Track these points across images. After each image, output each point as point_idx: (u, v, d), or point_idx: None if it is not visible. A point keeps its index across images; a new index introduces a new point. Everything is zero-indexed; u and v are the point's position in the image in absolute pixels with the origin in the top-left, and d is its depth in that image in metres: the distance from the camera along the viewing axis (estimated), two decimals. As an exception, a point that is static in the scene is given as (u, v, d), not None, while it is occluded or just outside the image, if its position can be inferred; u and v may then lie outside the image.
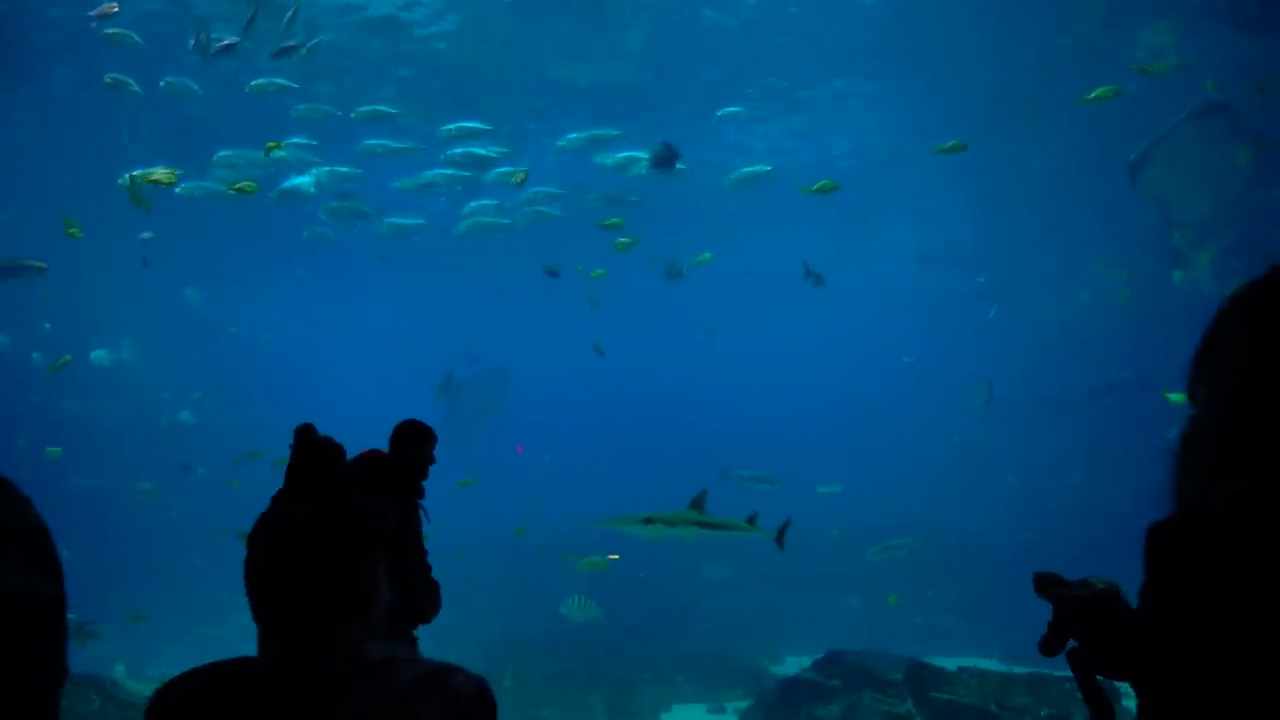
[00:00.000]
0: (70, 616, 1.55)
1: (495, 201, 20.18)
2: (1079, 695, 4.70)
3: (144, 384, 25.97)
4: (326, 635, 1.83)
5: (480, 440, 25.57)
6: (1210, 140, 16.20)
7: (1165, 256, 18.53)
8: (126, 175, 14.53)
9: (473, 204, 20.29)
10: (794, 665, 13.64)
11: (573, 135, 18.56)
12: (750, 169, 19.09)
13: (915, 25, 16.58)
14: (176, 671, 1.90)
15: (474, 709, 1.88)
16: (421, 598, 4.84)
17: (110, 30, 13.62)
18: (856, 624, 18.05)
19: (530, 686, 13.24)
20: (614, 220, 16.69)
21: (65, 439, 20.50)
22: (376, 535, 1.94)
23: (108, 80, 14.25)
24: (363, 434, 4.64)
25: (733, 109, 19.09)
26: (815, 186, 13.86)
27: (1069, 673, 4.66)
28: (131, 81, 14.39)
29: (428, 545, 5.08)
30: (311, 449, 2.14)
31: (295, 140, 17.03)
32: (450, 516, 5.15)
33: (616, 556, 13.99)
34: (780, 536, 10.59)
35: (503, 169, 17.85)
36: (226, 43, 13.95)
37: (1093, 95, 13.27)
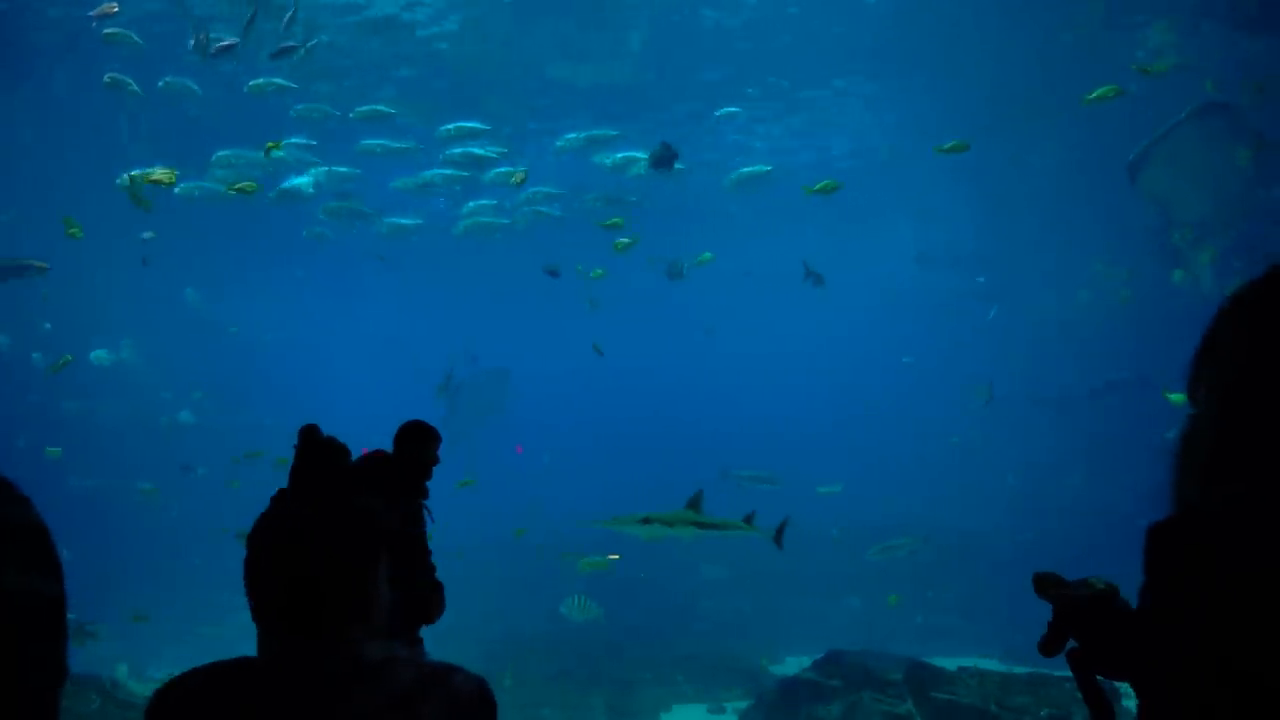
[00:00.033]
0: (70, 616, 1.55)
1: (494, 201, 20.19)
2: (1079, 695, 4.70)
3: (144, 384, 25.98)
4: (327, 635, 1.83)
5: (480, 440, 25.57)
6: (1210, 140, 16.20)
7: (1165, 256, 18.54)
8: (125, 175, 14.54)
9: (471, 204, 20.29)
10: (794, 665, 13.64)
11: (571, 135, 18.56)
12: (750, 169, 19.10)
13: (915, 25, 16.58)
14: (177, 672, 1.90)
15: (474, 709, 1.88)
16: (426, 598, 4.84)
17: (109, 30, 13.62)
18: (856, 624, 18.05)
19: (530, 686, 13.24)
20: (615, 220, 16.69)
21: (65, 439, 20.51)
22: (379, 535, 1.94)
23: (107, 80, 14.25)
24: (362, 434, 4.64)
25: (731, 109, 19.09)
26: (817, 186, 13.87)
27: (1069, 673, 4.66)
28: (130, 81, 14.39)
29: (430, 545, 5.08)
30: (316, 450, 2.14)
31: (294, 140, 17.05)
32: (450, 516, 5.15)
33: (616, 556, 13.99)
34: (778, 536, 10.58)
35: (502, 169, 17.86)
36: (225, 43, 13.95)
37: (1095, 95, 13.27)
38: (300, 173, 18.63)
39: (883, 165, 21.38)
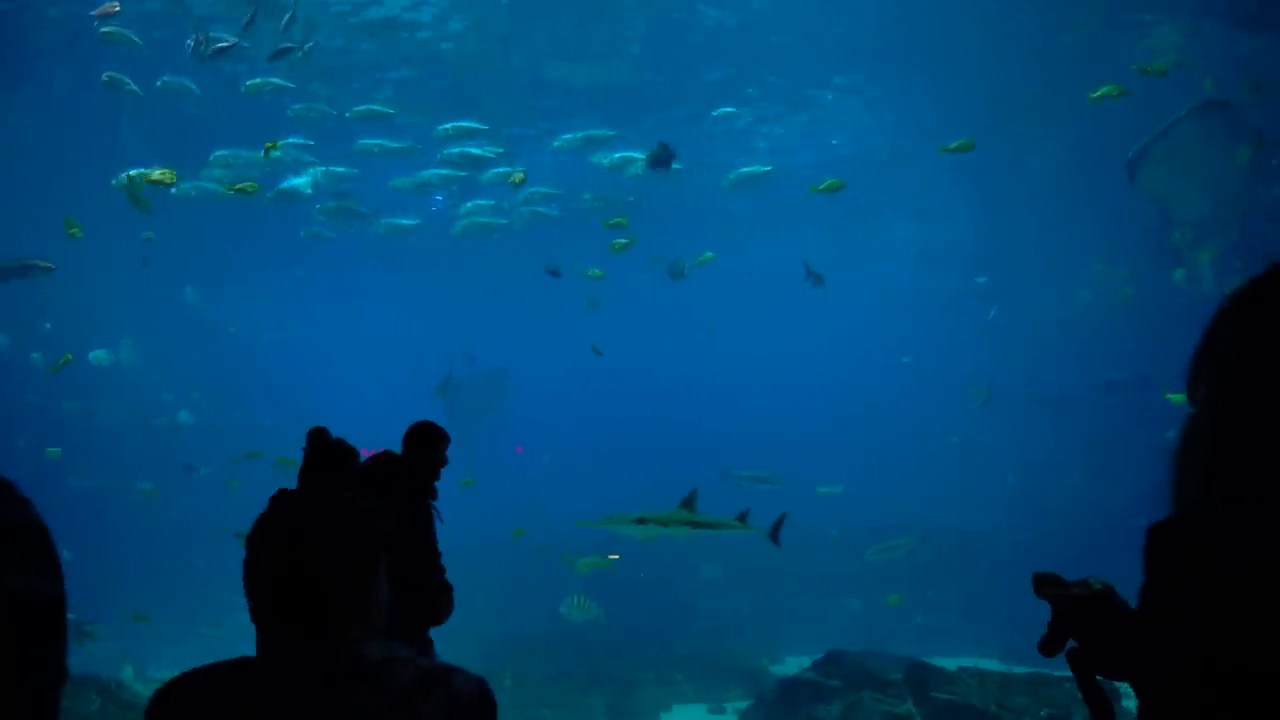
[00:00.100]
0: (70, 616, 1.55)
1: (492, 202, 20.18)
2: (1079, 695, 4.69)
3: (143, 384, 25.98)
4: (327, 635, 1.83)
5: (480, 440, 25.57)
6: (1209, 138, 16.19)
7: (1166, 256, 18.53)
8: (124, 175, 14.54)
9: (469, 204, 20.29)
10: (794, 665, 13.64)
11: (568, 135, 18.56)
12: (750, 169, 19.10)
13: (915, 25, 16.57)
14: (177, 672, 1.90)
15: (474, 709, 1.88)
16: (435, 599, 4.84)
17: (106, 29, 13.60)
18: (856, 624, 18.05)
19: (530, 686, 13.24)
20: (618, 220, 16.68)
21: (64, 439, 20.50)
22: (378, 535, 1.94)
23: (105, 78, 14.24)
24: (361, 434, 4.63)
25: (729, 109, 19.09)
26: (823, 186, 13.88)
27: (1069, 673, 4.65)
28: (129, 81, 14.38)
29: (439, 547, 5.09)
30: (324, 452, 2.13)
31: (292, 140, 17.05)
32: (451, 516, 5.15)
33: (616, 557, 13.98)
34: (774, 533, 10.57)
35: (500, 169, 17.86)
36: (223, 44, 13.94)
37: (1099, 93, 13.27)
38: (298, 172, 18.63)
39: (883, 165, 21.36)
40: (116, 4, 13.15)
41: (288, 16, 13.97)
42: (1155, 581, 1.25)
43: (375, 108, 16.82)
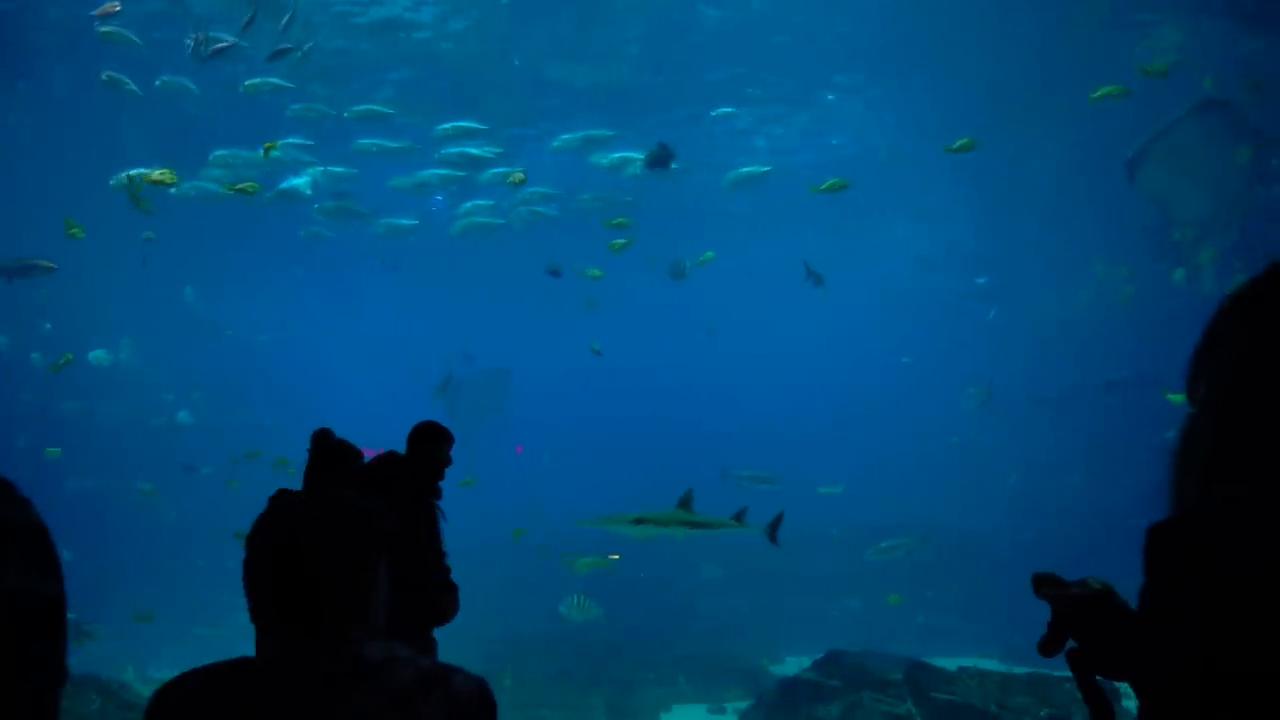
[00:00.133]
0: (70, 616, 1.55)
1: (491, 202, 20.18)
2: (1079, 695, 4.70)
3: (143, 384, 25.99)
4: (327, 635, 1.83)
5: (480, 440, 25.57)
6: (1208, 137, 16.19)
7: (1166, 255, 18.54)
8: (124, 175, 14.54)
9: (468, 204, 20.29)
10: (794, 665, 13.63)
11: (566, 135, 18.55)
12: (749, 169, 19.10)
13: (915, 25, 16.58)
14: (177, 672, 1.89)
15: (474, 709, 1.88)
16: (439, 599, 4.85)
17: (104, 28, 13.60)
18: (856, 624, 18.05)
19: (530, 686, 13.23)
20: (620, 220, 16.66)
21: (64, 440, 20.50)
22: (378, 535, 1.94)
23: (104, 78, 14.24)
24: (361, 434, 4.65)
25: (727, 109, 19.10)
26: (825, 185, 13.88)
27: (1069, 673, 4.65)
28: (128, 80, 14.38)
29: (445, 547, 5.09)
30: (329, 453, 2.14)
31: (291, 140, 17.04)
32: (451, 516, 5.15)
33: (617, 557, 13.97)
34: (772, 531, 10.56)
35: (499, 169, 17.86)
36: (221, 45, 13.95)
37: (1101, 93, 13.28)
38: (297, 173, 18.63)
39: (882, 165, 21.37)
40: (117, 4, 13.15)
41: (287, 17, 13.97)
42: (1155, 582, 1.25)
43: (374, 107, 16.83)
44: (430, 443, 5.03)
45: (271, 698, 1.78)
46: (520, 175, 16.79)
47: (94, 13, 13.41)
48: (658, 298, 24.75)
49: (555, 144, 18.69)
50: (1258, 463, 1.18)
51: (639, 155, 17.51)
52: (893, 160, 21.35)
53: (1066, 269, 23.27)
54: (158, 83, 15.21)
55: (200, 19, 14.69)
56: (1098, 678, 4.59)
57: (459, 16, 16.51)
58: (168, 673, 2.07)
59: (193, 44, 14.07)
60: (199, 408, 25.91)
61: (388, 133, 17.79)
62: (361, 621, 1.87)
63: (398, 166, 18.53)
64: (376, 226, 21.20)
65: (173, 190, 15.17)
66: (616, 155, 18.62)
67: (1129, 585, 1.58)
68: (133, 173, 14.23)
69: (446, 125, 17.38)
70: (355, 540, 1.89)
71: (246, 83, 15.08)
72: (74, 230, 14.22)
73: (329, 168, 18.49)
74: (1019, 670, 11.00)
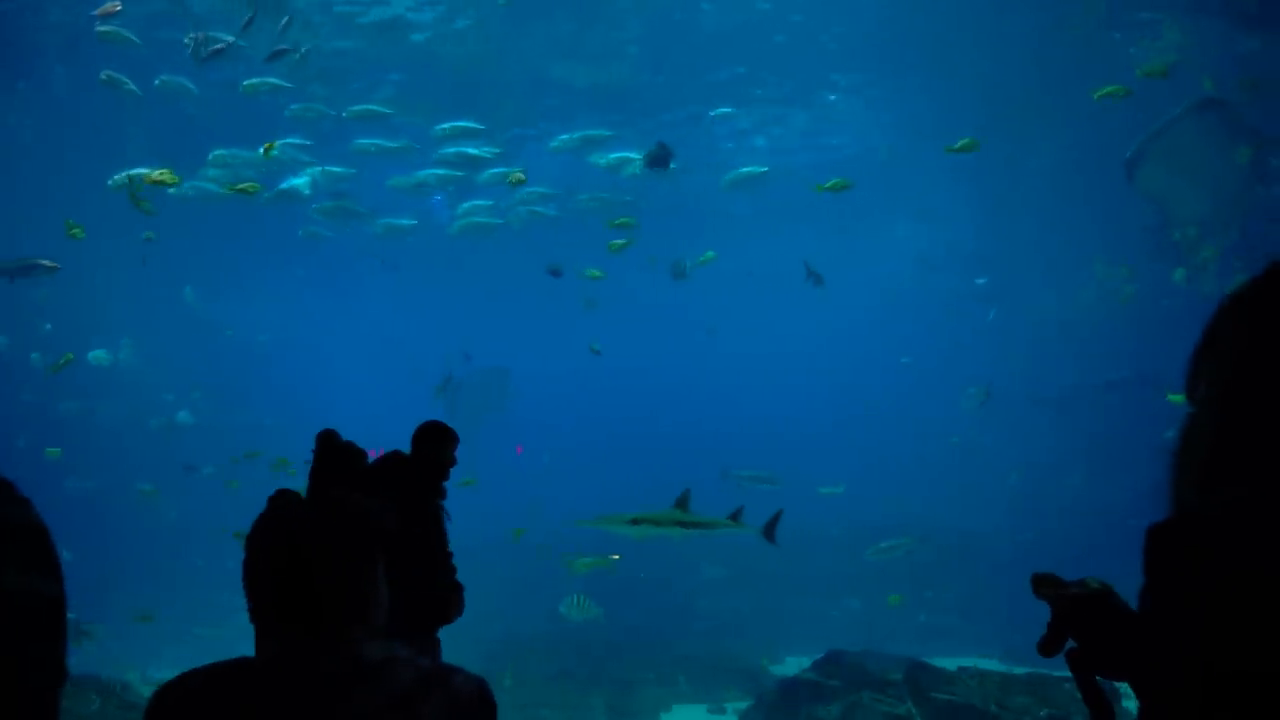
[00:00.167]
0: (70, 616, 1.55)
1: (490, 202, 20.18)
2: (1079, 695, 4.69)
3: (142, 384, 25.98)
4: (327, 635, 1.83)
5: (480, 440, 25.55)
6: (1206, 136, 16.18)
7: (1166, 255, 18.53)
8: (123, 175, 14.55)
9: (466, 204, 20.29)
10: (794, 665, 13.63)
11: (565, 136, 18.55)
12: (747, 169, 19.09)
13: (914, 25, 16.58)
14: (177, 673, 1.89)
15: (474, 709, 1.88)
16: (444, 599, 4.85)
17: (103, 28, 13.59)
18: (856, 624, 18.04)
19: (530, 686, 13.23)
20: (624, 220, 16.63)
21: (64, 440, 20.50)
22: (377, 535, 1.94)
23: (103, 77, 14.24)
24: (361, 433, 4.65)
25: (727, 109, 19.09)
26: (828, 185, 13.89)
27: (1069, 673, 4.65)
28: (127, 80, 14.38)
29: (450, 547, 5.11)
30: (334, 454, 2.14)
31: (290, 140, 17.04)
32: (452, 516, 5.16)
33: (617, 557, 13.97)
34: (769, 531, 10.55)
35: (497, 169, 17.86)
36: (218, 46, 13.95)
37: (1104, 92, 13.28)
38: (295, 172, 18.62)
39: (882, 165, 21.38)
40: (118, 3, 13.15)
41: (286, 19, 13.98)
42: (1155, 582, 1.25)
43: (372, 107, 16.83)
44: (435, 443, 5.04)
45: (271, 698, 1.78)
46: (520, 175, 16.78)
47: (95, 12, 13.41)
48: (657, 298, 24.74)
49: (554, 144, 18.68)
50: (1258, 463, 1.18)
51: (638, 155, 17.51)
52: (892, 160, 21.35)
53: (1066, 269, 23.26)
54: (157, 82, 15.21)
55: (200, 19, 14.69)
56: (1098, 678, 4.59)
57: (458, 17, 16.51)
58: (168, 673, 2.07)
59: (192, 45, 14.07)
60: (199, 408, 25.91)
61: (386, 133, 17.79)
62: (361, 621, 1.87)
63: (396, 166, 18.54)
64: (375, 226, 21.19)
65: (171, 190, 15.18)
66: (615, 155, 18.61)
67: (1129, 585, 1.58)
68: (132, 173, 14.23)
69: (445, 125, 17.38)
70: (355, 540, 1.89)
71: (245, 83, 15.08)
72: (74, 230, 14.22)
73: (327, 168, 18.49)
74: (1019, 670, 11.00)
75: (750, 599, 19.15)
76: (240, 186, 14.71)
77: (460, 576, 5.05)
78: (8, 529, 1.44)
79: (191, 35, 14.17)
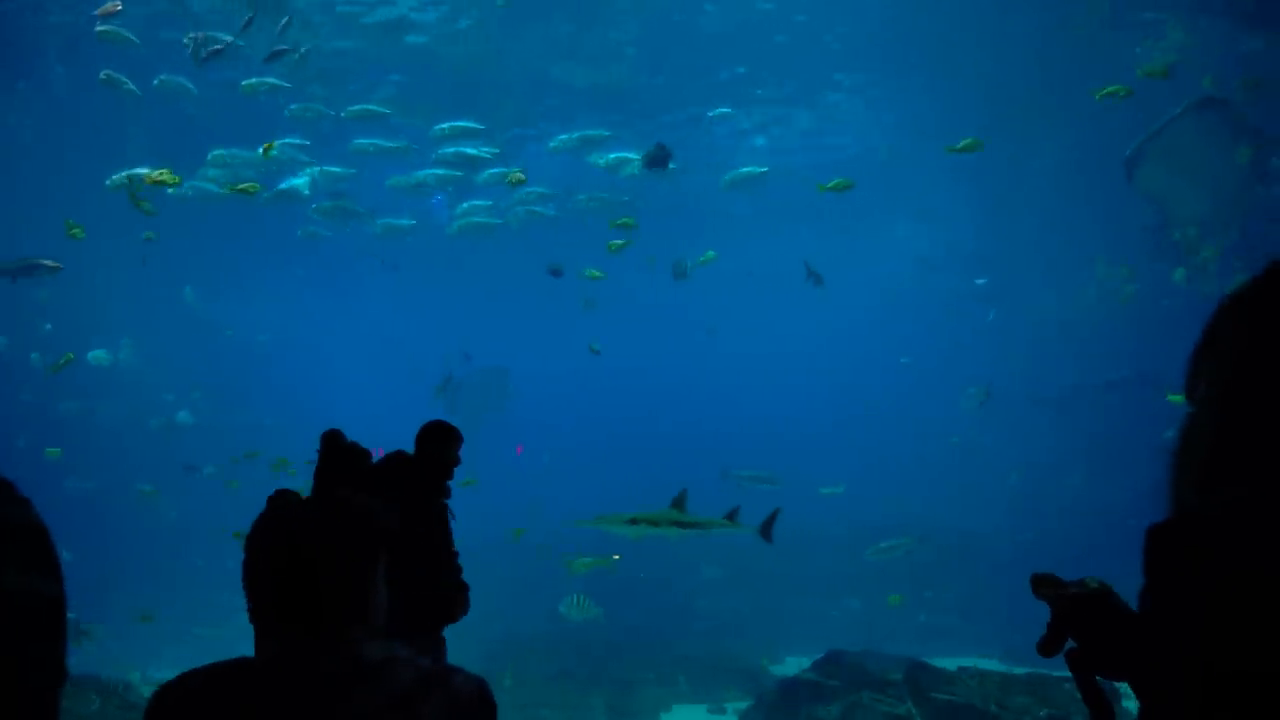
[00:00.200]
0: (70, 616, 1.55)
1: (489, 202, 20.18)
2: (1079, 695, 4.70)
3: (142, 384, 25.98)
4: (327, 635, 1.83)
5: (480, 440, 25.49)
6: (1206, 135, 16.17)
7: (1166, 255, 18.52)
8: (122, 175, 14.55)
9: (465, 204, 20.29)
10: (794, 665, 13.63)
11: (564, 136, 18.54)
12: (746, 169, 19.09)
13: (915, 25, 16.58)
14: (177, 673, 1.89)
15: (474, 709, 1.88)
16: (449, 598, 4.85)
17: (102, 28, 13.60)
18: (856, 624, 18.05)
19: (530, 686, 13.23)
20: (626, 220, 16.64)
21: (63, 440, 20.49)
22: (377, 535, 1.94)
23: (102, 77, 14.25)
24: (360, 433, 4.65)
25: (726, 110, 19.10)
26: (831, 184, 13.89)
27: (1069, 673, 4.65)
28: (126, 80, 14.39)
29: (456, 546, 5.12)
30: (339, 454, 2.14)
31: (289, 140, 17.04)
32: (455, 515, 5.17)
33: (618, 557, 13.97)
34: (766, 529, 10.55)
35: (496, 169, 17.86)
36: (216, 48, 13.96)
37: (1106, 91, 13.29)
38: (294, 172, 18.62)
39: (883, 166, 21.38)
40: (119, 3, 13.15)
41: (285, 20, 13.99)
42: (1155, 583, 1.25)
43: (371, 107, 16.83)
44: (439, 442, 5.04)
45: (271, 698, 1.78)
46: (520, 175, 16.79)
47: (96, 12, 13.41)
48: (657, 298, 24.74)
49: (553, 144, 18.68)
50: (1257, 463, 1.18)
51: (636, 155, 17.51)
52: (893, 160, 21.35)
53: (1067, 269, 23.26)
54: (156, 82, 15.21)
55: (200, 19, 14.70)
56: (1097, 678, 4.59)
57: (458, 18, 16.51)
58: (168, 673, 2.07)
59: (192, 45, 14.08)
60: (198, 408, 25.91)
61: (386, 133, 17.79)
62: (361, 622, 1.87)
63: (395, 166, 18.54)
64: (374, 226, 21.20)
65: (170, 191, 15.19)
66: (614, 155, 18.62)
67: (1129, 585, 1.58)
68: (131, 172, 14.23)
69: (444, 125, 17.38)
70: (354, 540, 1.89)
71: (244, 82, 15.08)
72: (74, 231, 14.23)
73: (326, 168, 18.49)
74: (1019, 670, 11.00)
75: (750, 599, 19.15)
76: (241, 187, 14.72)
77: (463, 576, 5.06)
78: (8, 529, 1.44)
79: (191, 35, 14.17)
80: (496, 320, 29.00)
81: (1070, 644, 4.62)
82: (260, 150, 15.73)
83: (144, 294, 24.42)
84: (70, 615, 1.56)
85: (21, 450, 20.00)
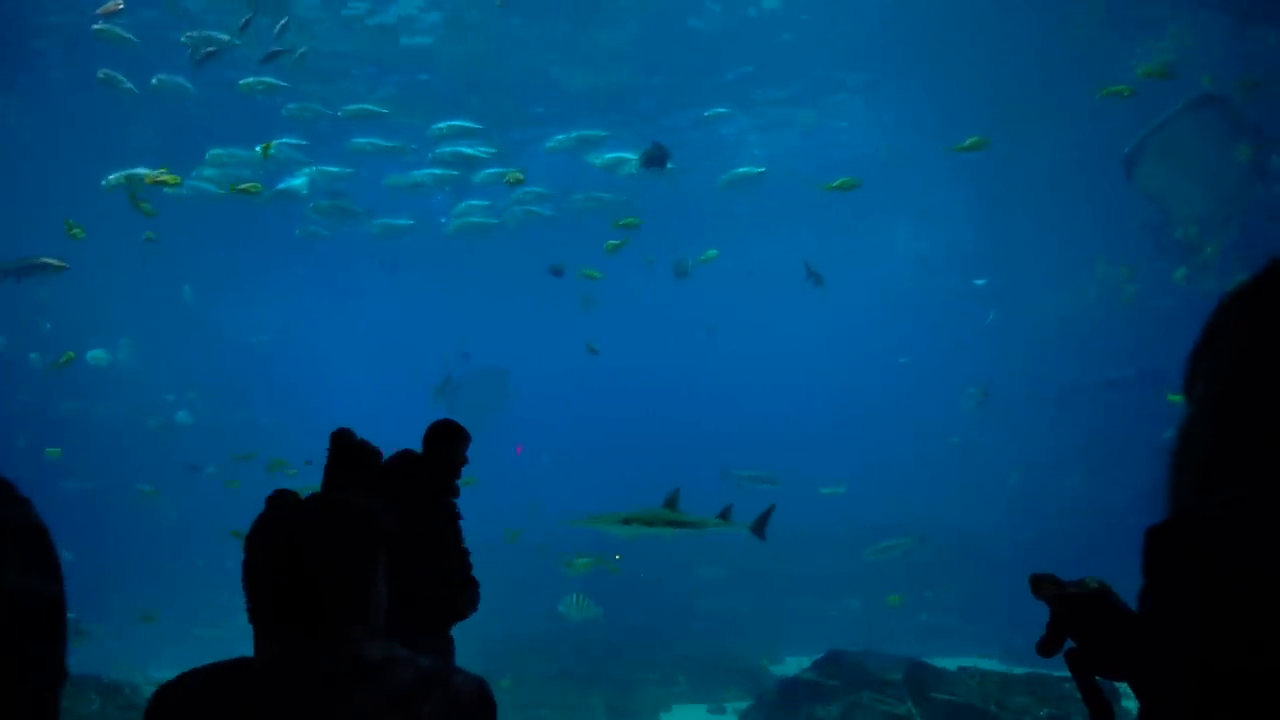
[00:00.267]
0: (70, 616, 1.55)
1: (487, 202, 20.17)
2: (1079, 695, 4.70)
3: (141, 384, 25.97)
4: (326, 635, 1.83)
5: (480, 440, 25.45)
6: (1204, 133, 16.15)
7: (1167, 253, 18.52)
8: (119, 175, 14.54)
9: (463, 204, 20.28)
10: (794, 665, 13.63)
11: (561, 136, 18.54)
12: (744, 169, 19.09)
13: (915, 25, 16.58)
14: (177, 673, 1.89)
15: (474, 710, 1.88)
16: (455, 595, 4.86)
17: (99, 26, 13.60)
18: (856, 624, 18.05)
19: (530, 686, 13.22)
20: (630, 220, 16.66)
21: (63, 440, 20.49)
22: (376, 535, 1.94)
23: (100, 76, 14.25)
24: (359, 433, 4.65)
25: (725, 110, 19.10)
26: (836, 183, 13.91)
27: (1069, 673, 4.66)
28: (124, 79, 14.38)
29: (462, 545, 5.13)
30: (348, 453, 2.14)
31: (287, 140, 17.04)
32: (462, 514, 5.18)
33: (619, 557, 13.98)
34: (759, 527, 10.53)
35: (494, 169, 17.85)
36: (211, 49, 13.97)
37: (1110, 90, 13.30)
38: (292, 172, 18.62)
39: (883, 166, 21.39)
40: (120, 2, 13.14)
41: (284, 21, 13.99)
42: (1154, 584, 1.25)
43: (368, 107, 16.83)
44: (447, 442, 5.06)
45: (271, 698, 1.78)
46: (518, 175, 16.79)
47: (98, 11, 13.41)
48: (657, 297, 24.75)
49: (550, 144, 18.68)
50: (1257, 462, 1.18)
51: (633, 155, 17.52)
52: (893, 160, 21.35)
53: (1067, 269, 23.27)
54: (154, 81, 15.20)
55: (197, 19, 14.69)
56: (1097, 678, 4.60)
57: (457, 19, 16.51)
58: (168, 673, 2.07)
59: (190, 45, 14.08)
60: (197, 407, 25.91)
61: (384, 132, 17.78)
62: (361, 622, 1.87)
63: (394, 166, 18.54)
64: (372, 226, 21.19)
65: (168, 190, 15.19)
66: (611, 155, 18.61)
67: (1129, 585, 1.57)
68: (128, 172, 14.23)
69: (442, 124, 17.37)
70: (354, 540, 1.89)
71: (242, 82, 15.08)
72: (74, 231, 14.23)
73: (323, 167, 18.48)
74: (1019, 670, 11.00)
75: (750, 599, 19.16)
76: (243, 187, 14.72)
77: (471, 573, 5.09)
78: (8, 529, 1.44)
79: (189, 35, 14.17)
80: (495, 320, 29.00)
81: (1070, 644, 4.63)
82: (258, 150, 15.73)
83: (143, 294, 24.41)
84: (70, 615, 1.56)
85: (21, 450, 19.99)
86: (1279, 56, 15.27)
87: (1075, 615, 4.51)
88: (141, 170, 14.16)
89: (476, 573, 5.15)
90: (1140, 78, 13.76)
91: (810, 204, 19.30)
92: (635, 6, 16.42)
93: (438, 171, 18.16)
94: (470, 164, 18.04)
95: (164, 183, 13.51)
